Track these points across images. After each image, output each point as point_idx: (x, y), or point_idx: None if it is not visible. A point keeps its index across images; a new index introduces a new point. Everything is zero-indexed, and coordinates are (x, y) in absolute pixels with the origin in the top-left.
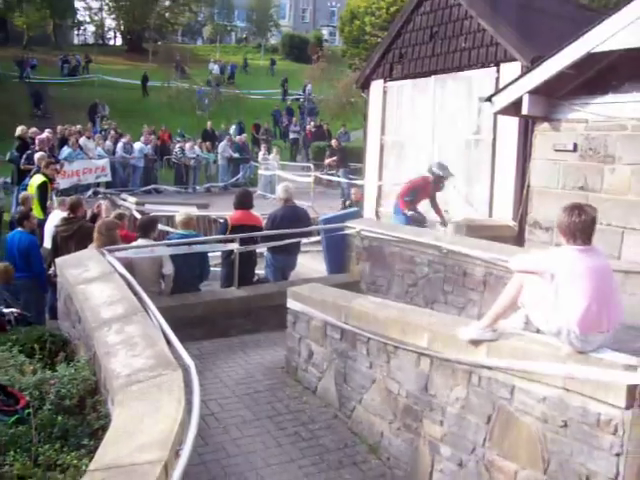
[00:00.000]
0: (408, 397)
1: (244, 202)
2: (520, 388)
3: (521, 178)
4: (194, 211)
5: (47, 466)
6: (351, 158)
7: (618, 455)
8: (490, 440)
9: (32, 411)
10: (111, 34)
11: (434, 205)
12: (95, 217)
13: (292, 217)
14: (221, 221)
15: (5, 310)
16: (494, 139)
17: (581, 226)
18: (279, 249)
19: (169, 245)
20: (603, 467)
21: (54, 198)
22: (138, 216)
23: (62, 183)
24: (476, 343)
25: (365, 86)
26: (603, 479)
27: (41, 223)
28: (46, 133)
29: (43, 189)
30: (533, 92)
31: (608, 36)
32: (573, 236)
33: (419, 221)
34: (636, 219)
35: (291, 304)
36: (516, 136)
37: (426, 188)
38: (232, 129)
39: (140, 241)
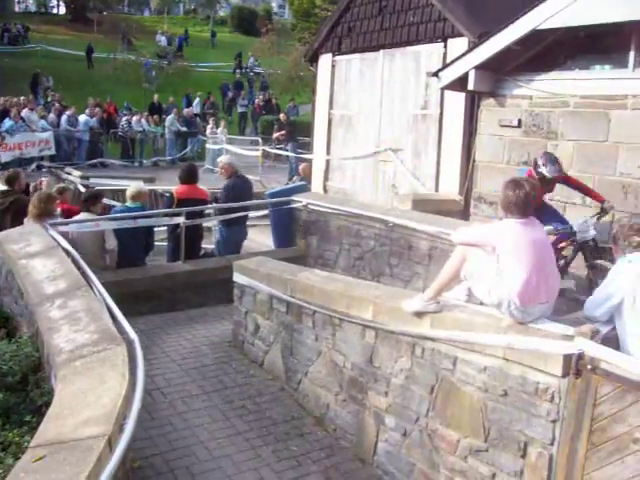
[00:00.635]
0: (353, 369)
1: (190, 176)
2: (462, 359)
3: (467, 153)
4: (141, 185)
5: None
6: (300, 132)
7: (554, 422)
8: (433, 410)
9: None
10: (54, 2)
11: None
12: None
13: (243, 187)
14: (167, 195)
15: None
16: (441, 114)
17: (516, 199)
18: (234, 221)
19: (113, 219)
20: (540, 433)
21: None
22: (83, 190)
23: (4, 156)
24: (420, 315)
25: (314, 60)
26: (540, 445)
27: None
28: None
29: None
30: (479, 68)
31: (552, 14)
32: (510, 209)
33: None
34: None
35: (237, 278)
36: (462, 111)
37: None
38: (196, 102)
39: (83, 215)
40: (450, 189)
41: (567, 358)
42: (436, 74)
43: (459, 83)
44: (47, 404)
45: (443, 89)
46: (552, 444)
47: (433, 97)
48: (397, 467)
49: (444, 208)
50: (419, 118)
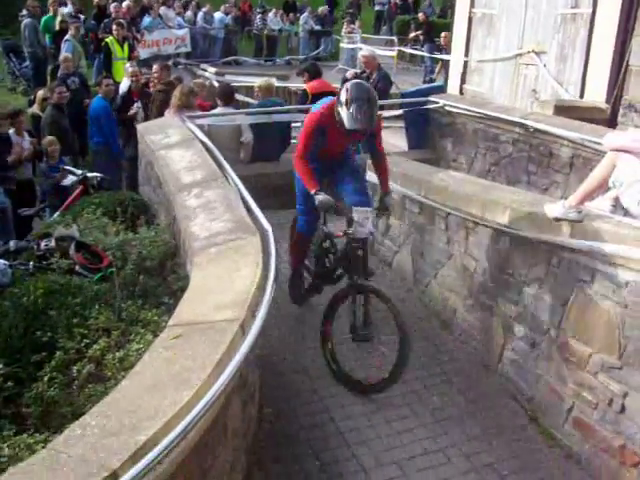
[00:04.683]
0: (484, 274)
1: (317, 71)
2: (602, 272)
3: (619, 58)
4: (274, 81)
5: (130, 321)
6: (438, 33)
7: None
8: (565, 322)
9: (115, 270)
10: None
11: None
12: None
13: None
14: (300, 91)
15: (89, 174)
16: (593, 13)
17: None
18: None
19: (249, 113)
20: None
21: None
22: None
23: (142, 53)
24: (560, 223)
25: None
26: None
27: None
28: (127, 2)
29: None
30: None
31: None
32: None
33: None
34: None
35: (370, 177)
36: (618, 10)
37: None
38: None
39: (220, 109)
40: (596, 96)
41: None
42: None
43: None
44: (182, 289)
45: None
46: None
47: None
48: (522, 377)
49: (588, 116)
50: (568, 18)
